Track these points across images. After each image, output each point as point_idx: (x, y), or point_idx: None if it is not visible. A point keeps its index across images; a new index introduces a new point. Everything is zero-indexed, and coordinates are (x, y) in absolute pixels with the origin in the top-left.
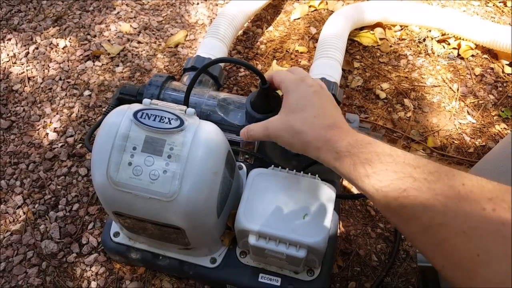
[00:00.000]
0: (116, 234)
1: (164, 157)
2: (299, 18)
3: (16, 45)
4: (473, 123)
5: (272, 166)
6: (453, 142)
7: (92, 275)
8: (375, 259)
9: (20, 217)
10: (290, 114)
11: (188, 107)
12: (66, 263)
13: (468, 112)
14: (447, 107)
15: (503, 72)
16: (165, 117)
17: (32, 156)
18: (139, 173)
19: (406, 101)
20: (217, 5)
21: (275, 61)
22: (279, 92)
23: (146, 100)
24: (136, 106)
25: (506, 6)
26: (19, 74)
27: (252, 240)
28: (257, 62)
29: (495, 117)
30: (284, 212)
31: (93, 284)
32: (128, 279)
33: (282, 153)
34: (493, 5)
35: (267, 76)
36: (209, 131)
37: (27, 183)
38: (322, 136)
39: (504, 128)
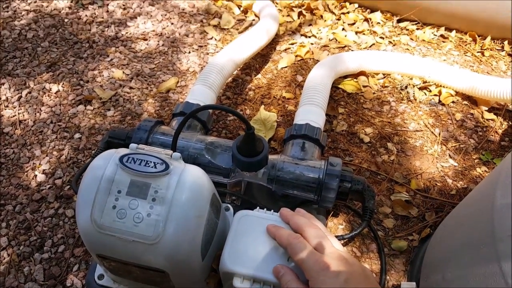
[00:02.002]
0: (101, 277)
1: (148, 200)
2: (286, 67)
3: (9, 89)
4: (455, 166)
5: (258, 207)
6: (436, 184)
7: None
8: None
9: (4, 259)
10: None
11: (175, 152)
12: None
13: (450, 155)
14: (429, 151)
15: (482, 117)
16: (151, 161)
17: (19, 198)
18: (123, 216)
19: (390, 145)
20: (208, 54)
21: (263, 106)
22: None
23: (132, 145)
24: (122, 151)
25: (483, 55)
26: (11, 117)
27: (237, 283)
28: (246, 107)
29: (476, 160)
30: (269, 255)
31: None
32: None
33: (268, 195)
34: (472, 55)
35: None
36: (194, 175)
37: (13, 224)
38: None
39: (485, 170)
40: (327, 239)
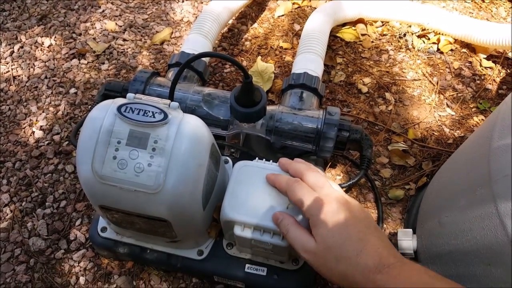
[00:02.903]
0: (104, 229)
1: (148, 150)
2: (283, 15)
3: (1, 44)
4: (452, 115)
5: (257, 158)
6: (433, 133)
7: (80, 270)
8: None
9: (7, 215)
10: (327, 250)
11: (172, 101)
12: (54, 260)
13: (447, 104)
14: (427, 100)
15: (480, 65)
16: (149, 111)
17: (18, 154)
18: (124, 166)
19: (387, 95)
20: (202, 2)
21: (259, 57)
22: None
23: (130, 95)
24: (120, 101)
25: (483, 1)
26: (4, 73)
27: (237, 230)
28: (242, 58)
29: (473, 109)
30: (268, 202)
31: (82, 279)
32: (116, 273)
33: (267, 147)
34: (472, 1)
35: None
36: (193, 124)
37: (14, 181)
38: (371, 281)
39: (482, 119)
40: (326, 182)
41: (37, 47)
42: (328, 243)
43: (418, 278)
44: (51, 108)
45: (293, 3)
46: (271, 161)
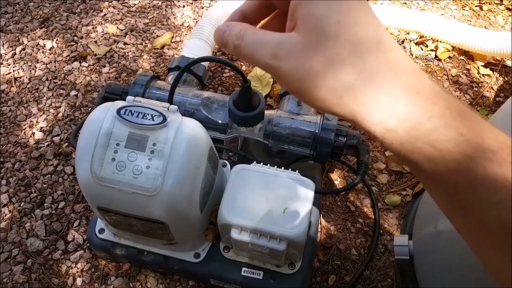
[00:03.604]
0: (101, 231)
1: (147, 153)
2: None
3: (3, 46)
4: None
5: (254, 162)
6: None
7: (77, 271)
8: (355, 253)
9: (5, 215)
10: (327, 42)
11: (171, 105)
12: (51, 260)
13: None
14: None
15: (478, 73)
16: (148, 114)
17: (18, 155)
18: (122, 168)
19: None
20: (202, 7)
21: None
22: None
23: (129, 98)
24: (119, 103)
25: (482, 10)
26: (6, 74)
27: (234, 234)
28: (242, 63)
29: None
30: (265, 206)
31: (79, 280)
32: (113, 275)
33: (265, 151)
34: (470, 9)
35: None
36: (191, 127)
37: (13, 181)
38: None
39: None
40: None
41: (38, 50)
42: (326, 30)
43: None
44: (51, 110)
45: None
46: (268, 165)
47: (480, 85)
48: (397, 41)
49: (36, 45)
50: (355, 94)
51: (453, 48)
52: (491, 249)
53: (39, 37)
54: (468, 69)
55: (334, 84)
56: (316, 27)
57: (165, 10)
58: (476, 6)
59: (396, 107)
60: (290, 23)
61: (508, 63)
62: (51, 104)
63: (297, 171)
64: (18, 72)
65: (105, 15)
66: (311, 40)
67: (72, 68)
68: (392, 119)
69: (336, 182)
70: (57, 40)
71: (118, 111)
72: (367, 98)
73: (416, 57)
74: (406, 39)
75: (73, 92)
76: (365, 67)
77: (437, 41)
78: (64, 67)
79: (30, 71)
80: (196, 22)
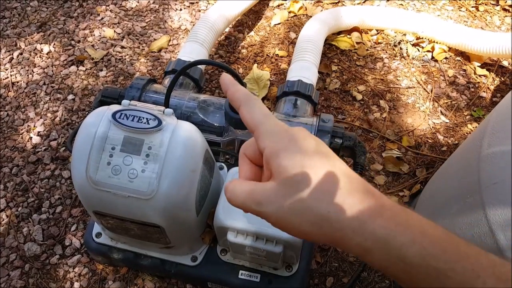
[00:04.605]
0: (98, 235)
1: (142, 156)
2: (279, 24)
3: (0, 51)
4: (446, 122)
5: None
6: (427, 141)
7: (75, 276)
8: (352, 254)
9: (3, 220)
10: (292, 188)
11: (167, 108)
12: (49, 265)
13: (441, 112)
14: (421, 108)
15: (475, 73)
16: (143, 118)
17: (15, 160)
18: (117, 172)
19: (382, 102)
20: (199, 11)
21: (255, 64)
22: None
23: (124, 101)
24: (114, 107)
25: (478, 10)
26: (3, 79)
27: (231, 237)
28: (239, 65)
29: (467, 117)
30: None
31: (76, 285)
32: (110, 279)
33: None
34: (466, 10)
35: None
36: (187, 130)
37: (11, 186)
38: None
39: (476, 127)
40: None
41: (36, 54)
42: (294, 177)
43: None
44: (49, 114)
45: (289, 12)
46: None
47: (476, 85)
48: (394, 43)
49: (34, 50)
50: (331, 224)
51: (450, 49)
52: None
53: (36, 41)
54: (464, 70)
55: (313, 218)
56: (286, 174)
57: (162, 14)
58: (472, 7)
59: (366, 229)
60: (266, 171)
61: (505, 63)
62: (48, 109)
63: None
64: (16, 77)
65: (102, 18)
66: (285, 186)
67: (70, 72)
68: (366, 241)
69: None
70: (54, 44)
71: (113, 115)
72: (342, 224)
73: (413, 58)
74: (402, 40)
75: (70, 96)
76: (333, 200)
77: (434, 42)
78: (61, 71)
79: (28, 75)
80: (193, 25)
